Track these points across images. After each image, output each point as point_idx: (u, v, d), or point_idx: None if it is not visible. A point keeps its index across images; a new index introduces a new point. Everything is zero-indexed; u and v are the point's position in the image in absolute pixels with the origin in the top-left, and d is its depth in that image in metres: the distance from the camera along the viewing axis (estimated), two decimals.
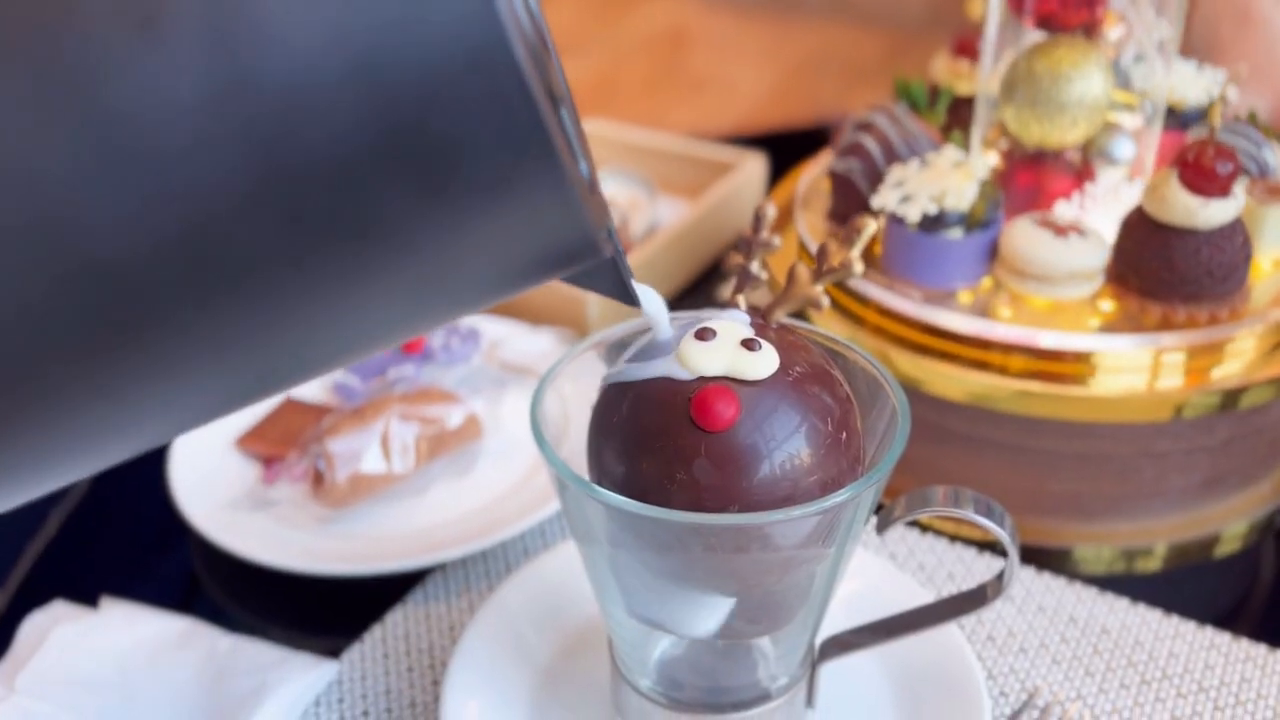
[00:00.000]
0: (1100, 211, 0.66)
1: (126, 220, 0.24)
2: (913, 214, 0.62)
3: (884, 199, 0.64)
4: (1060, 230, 0.62)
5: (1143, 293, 0.61)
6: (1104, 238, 0.63)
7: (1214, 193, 0.59)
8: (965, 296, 0.64)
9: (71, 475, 0.29)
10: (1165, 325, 0.61)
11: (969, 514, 0.43)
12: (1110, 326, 0.61)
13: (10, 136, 0.23)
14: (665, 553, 0.40)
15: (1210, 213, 0.59)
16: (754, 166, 0.95)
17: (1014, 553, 0.44)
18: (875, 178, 0.67)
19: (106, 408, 0.27)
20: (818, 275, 0.41)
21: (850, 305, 0.65)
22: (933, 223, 0.62)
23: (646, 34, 3.26)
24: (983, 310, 0.62)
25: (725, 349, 0.39)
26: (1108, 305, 0.63)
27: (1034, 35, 0.68)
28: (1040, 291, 0.62)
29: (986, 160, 0.63)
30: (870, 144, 0.68)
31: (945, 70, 0.80)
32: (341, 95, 0.24)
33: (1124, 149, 0.65)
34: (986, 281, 0.65)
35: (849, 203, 0.69)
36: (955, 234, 0.62)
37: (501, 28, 0.24)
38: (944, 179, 0.62)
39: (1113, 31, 0.66)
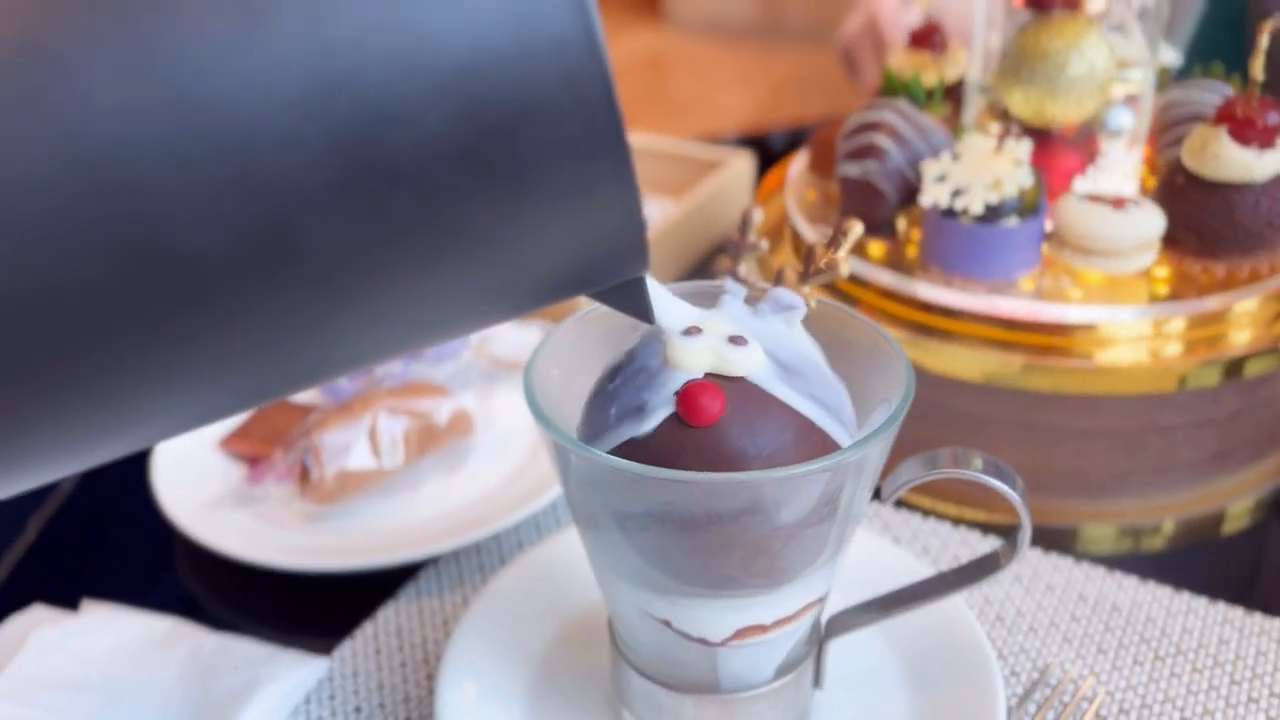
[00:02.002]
0: (1110, 182, 0.66)
1: (208, 210, 0.24)
2: (975, 205, 0.60)
3: (934, 195, 0.62)
4: (1117, 203, 0.61)
5: (1201, 253, 0.61)
6: (1155, 204, 0.62)
7: (1266, 144, 0.59)
8: (1027, 284, 0.62)
9: (103, 455, 0.29)
10: (1230, 282, 0.61)
11: (978, 475, 0.42)
12: (1177, 292, 0.61)
13: (105, 118, 0.23)
14: (667, 522, 0.38)
15: (1265, 164, 0.59)
16: (741, 165, 0.94)
17: (1025, 515, 0.43)
18: (898, 177, 0.65)
19: (160, 388, 0.27)
20: (805, 277, 0.41)
21: (849, 289, 0.64)
22: (990, 213, 0.61)
23: (628, 61, 3.27)
24: (1050, 295, 0.61)
25: (711, 345, 0.39)
26: (1163, 271, 0.62)
27: (1018, 16, 0.68)
28: (1107, 267, 0.61)
29: (1024, 144, 0.62)
30: (886, 143, 0.66)
31: (906, 64, 0.79)
32: (437, 102, 0.25)
33: (1123, 119, 0.65)
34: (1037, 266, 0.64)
35: (870, 205, 0.66)
36: (1012, 222, 0.61)
37: (598, 45, 0.25)
38: (993, 168, 0.61)
39: (1093, 3, 0.65)
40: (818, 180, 0.76)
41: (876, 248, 0.67)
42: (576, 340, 0.45)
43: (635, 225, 0.29)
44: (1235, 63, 0.73)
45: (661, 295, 0.39)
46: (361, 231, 0.26)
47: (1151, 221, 0.61)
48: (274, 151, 0.24)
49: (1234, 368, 0.57)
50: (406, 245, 0.26)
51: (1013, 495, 0.42)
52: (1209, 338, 0.58)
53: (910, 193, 0.66)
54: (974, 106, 0.73)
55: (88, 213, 0.23)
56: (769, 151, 1.07)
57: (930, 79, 0.76)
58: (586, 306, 0.45)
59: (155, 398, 0.27)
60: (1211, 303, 0.59)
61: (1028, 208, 0.61)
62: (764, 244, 0.44)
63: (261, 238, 0.25)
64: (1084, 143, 0.67)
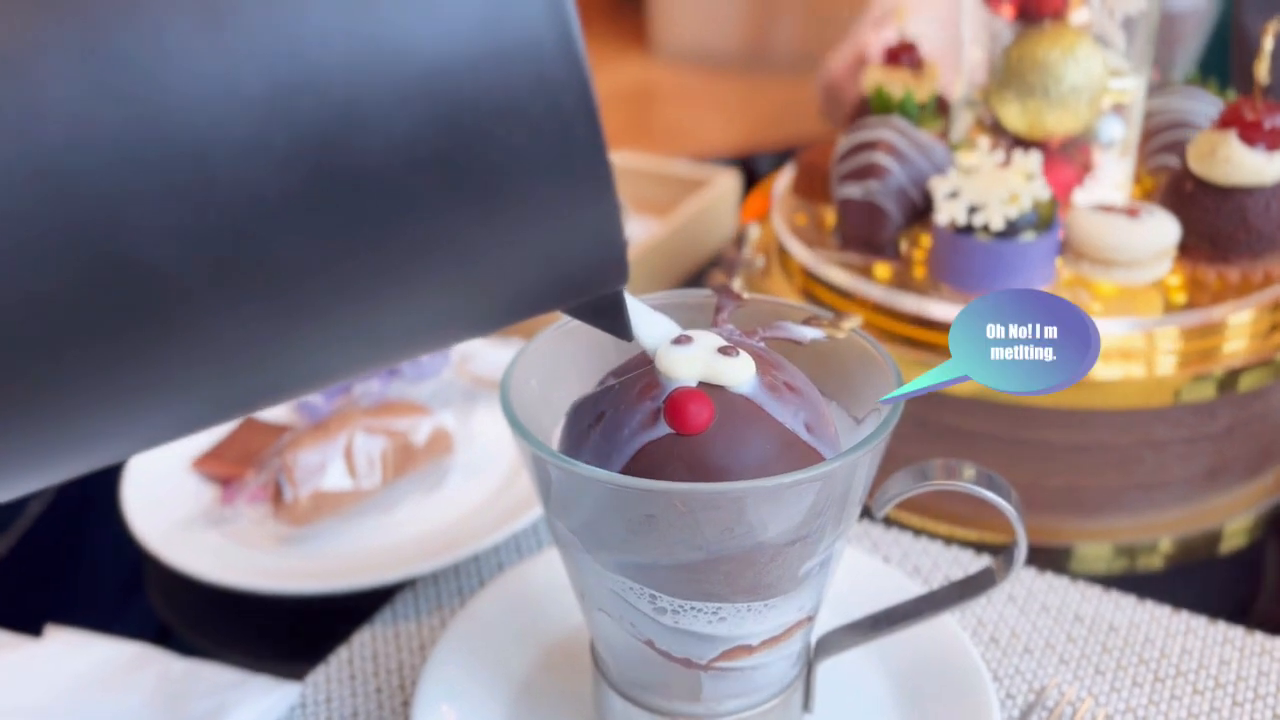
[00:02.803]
0: (1103, 193, 0.65)
1: (165, 217, 0.23)
2: (995, 221, 0.59)
3: (949, 212, 0.60)
4: (1131, 212, 0.60)
5: (1214, 259, 0.60)
6: (1167, 212, 0.61)
7: (1274, 145, 0.59)
8: None
9: (62, 473, 0.28)
10: (1245, 287, 0.60)
11: (970, 487, 0.41)
12: (1194, 300, 0.60)
13: (59, 121, 0.22)
14: (649, 536, 0.37)
15: (1276, 166, 0.59)
16: (727, 183, 0.93)
17: (1020, 528, 0.41)
18: (902, 196, 0.63)
19: (120, 402, 0.26)
20: (730, 276, 0.43)
21: (829, 299, 0.63)
22: (1008, 228, 0.59)
23: (616, 91, 3.28)
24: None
25: (701, 355, 0.38)
26: (1176, 280, 0.61)
27: (1004, 30, 0.67)
28: (1125, 278, 0.60)
29: (1034, 156, 0.61)
30: (887, 161, 0.64)
31: (884, 81, 0.78)
32: (407, 105, 0.24)
33: (1115, 128, 0.64)
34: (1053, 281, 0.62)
35: (874, 226, 0.64)
36: (1029, 236, 0.59)
37: (576, 50, 0.24)
38: (1006, 182, 0.59)
39: (1076, 15, 0.65)
40: (804, 203, 0.74)
41: (882, 269, 0.64)
42: (554, 350, 0.44)
43: (614, 236, 0.28)
44: (1214, 67, 0.72)
45: (641, 311, 0.38)
46: (328, 241, 0.24)
47: (1168, 229, 0.59)
48: (234, 156, 0.23)
49: (1229, 381, 0.56)
50: (375, 255, 0.25)
51: (1006, 507, 0.41)
52: (1204, 350, 0.57)
53: (915, 211, 0.64)
54: (962, 122, 0.72)
55: (39, 220, 0.22)
56: (755, 173, 1.06)
57: (920, 95, 0.75)
58: (565, 317, 0.44)
59: (115, 412, 0.26)
60: (1207, 315, 0.57)
61: (1044, 222, 0.59)
62: (760, 260, 0.44)
63: (222, 247, 0.24)
64: (1077, 154, 0.66)
